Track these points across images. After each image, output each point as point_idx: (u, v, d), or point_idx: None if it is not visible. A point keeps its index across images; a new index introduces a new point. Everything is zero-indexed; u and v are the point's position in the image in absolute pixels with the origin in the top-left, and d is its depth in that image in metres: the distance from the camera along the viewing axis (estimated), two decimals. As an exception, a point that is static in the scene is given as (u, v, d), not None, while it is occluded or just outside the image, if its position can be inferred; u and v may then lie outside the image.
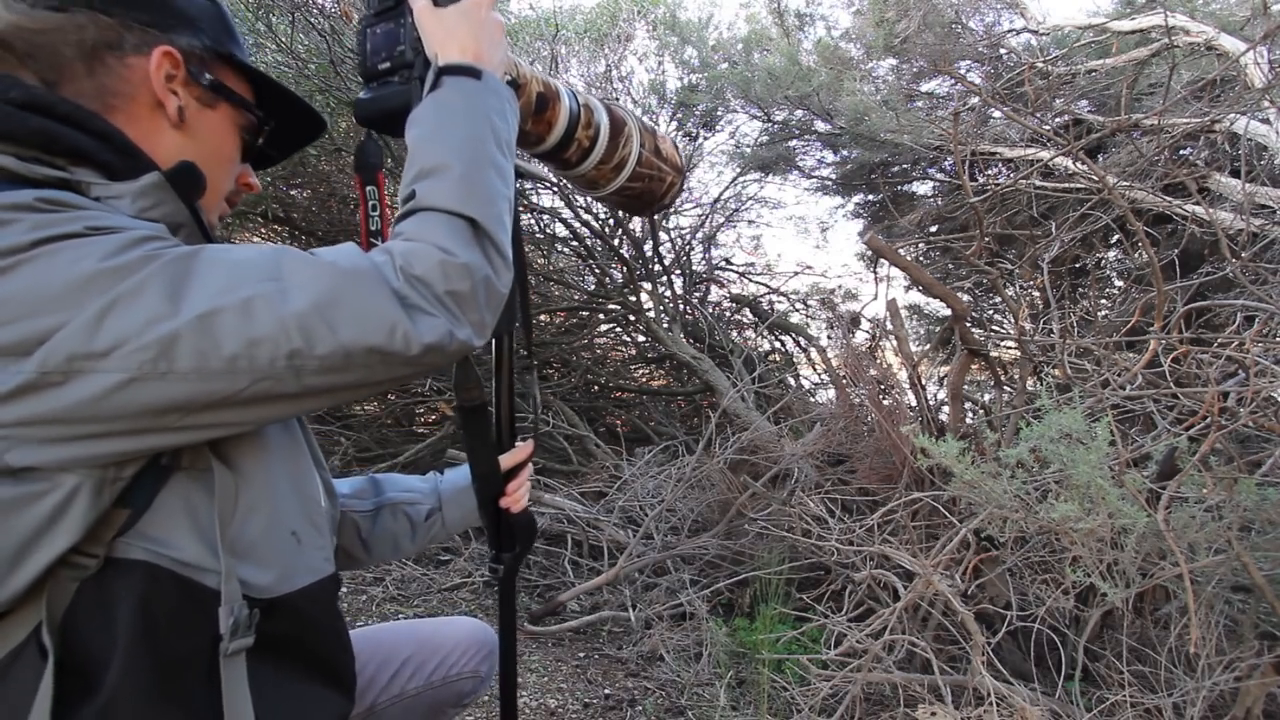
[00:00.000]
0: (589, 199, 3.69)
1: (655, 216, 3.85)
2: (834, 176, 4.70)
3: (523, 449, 0.92)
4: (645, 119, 0.98)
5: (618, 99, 4.28)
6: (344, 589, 2.63)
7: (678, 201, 4.71)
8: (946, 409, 2.58)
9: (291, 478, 0.69)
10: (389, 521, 0.94)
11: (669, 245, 4.49)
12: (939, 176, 4.29)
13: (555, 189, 3.62)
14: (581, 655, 2.30)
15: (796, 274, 4.67)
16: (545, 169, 0.92)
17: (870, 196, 4.65)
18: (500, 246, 0.65)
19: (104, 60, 0.64)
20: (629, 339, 4.45)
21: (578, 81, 4.28)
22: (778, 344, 4.47)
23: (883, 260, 3.10)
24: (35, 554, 0.54)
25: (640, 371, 4.60)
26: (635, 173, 0.91)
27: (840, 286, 4.78)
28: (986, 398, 3.34)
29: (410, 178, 0.66)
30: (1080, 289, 3.26)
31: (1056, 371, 2.15)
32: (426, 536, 0.97)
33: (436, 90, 0.70)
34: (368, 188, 0.81)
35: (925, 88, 4.12)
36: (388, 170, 0.87)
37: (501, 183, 0.68)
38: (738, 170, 4.67)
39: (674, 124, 4.45)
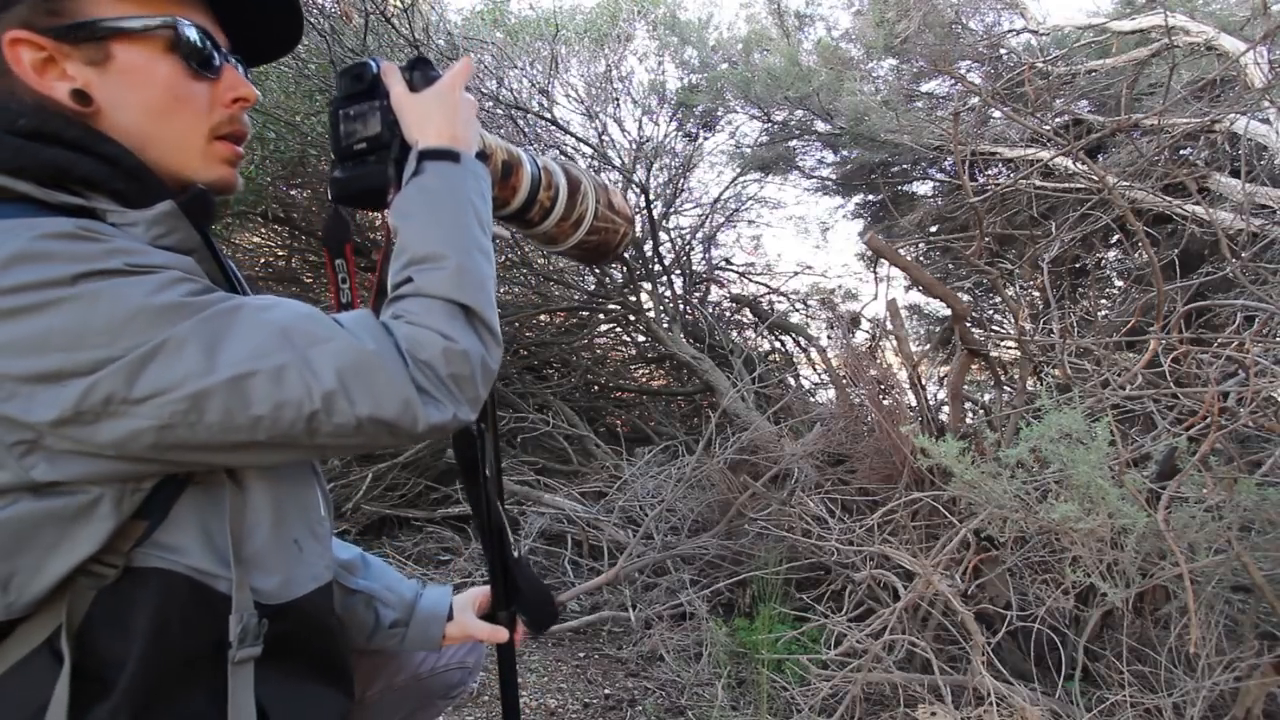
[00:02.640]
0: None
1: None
2: (834, 176, 4.70)
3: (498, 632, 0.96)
4: (594, 173, 1.03)
5: (617, 100, 4.29)
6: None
7: (678, 200, 4.66)
8: (946, 409, 2.58)
9: (293, 489, 0.72)
10: (360, 609, 0.95)
11: (669, 245, 4.49)
12: (939, 176, 4.29)
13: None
14: (581, 655, 2.30)
15: (796, 274, 4.68)
16: (507, 230, 0.96)
17: (870, 196, 4.65)
18: (491, 327, 0.69)
19: (4, 82, 0.60)
20: (629, 339, 4.45)
21: (578, 82, 4.29)
22: (778, 344, 4.47)
23: (883, 260, 3.10)
24: (57, 560, 0.57)
25: (640, 371, 4.60)
26: (592, 227, 0.97)
27: (840, 286, 4.78)
28: (986, 398, 3.34)
29: (403, 263, 0.69)
30: (1080, 289, 3.26)
31: (1056, 371, 2.15)
32: (382, 642, 0.96)
33: (419, 176, 0.72)
34: (337, 261, 0.83)
35: (925, 88, 4.12)
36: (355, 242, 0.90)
37: (487, 264, 0.72)
38: (738, 170, 4.68)
39: (674, 124, 4.46)
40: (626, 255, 4.01)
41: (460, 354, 0.65)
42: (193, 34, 0.65)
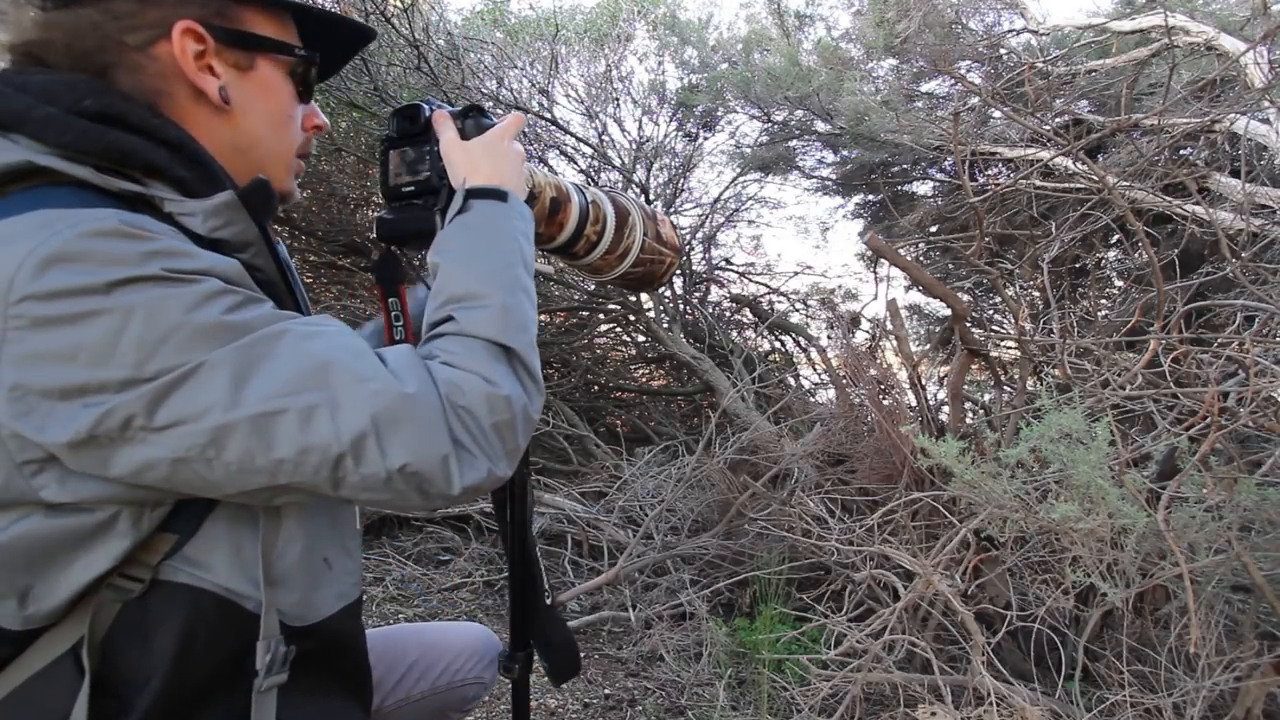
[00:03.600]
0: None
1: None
2: (834, 176, 4.69)
3: None
4: (647, 205, 1.03)
5: (617, 100, 4.29)
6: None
7: (678, 200, 4.66)
8: (946, 409, 2.58)
9: (331, 505, 0.69)
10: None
11: (669, 245, 4.47)
12: (939, 176, 4.29)
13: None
14: (581, 655, 2.30)
15: (796, 274, 4.67)
16: (552, 264, 0.98)
17: (870, 196, 4.65)
18: (533, 372, 0.65)
19: (131, 56, 0.61)
20: (629, 339, 4.45)
21: (578, 82, 4.29)
22: (778, 344, 4.47)
23: (883, 260, 3.10)
24: (72, 575, 0.55)
25: (640, 371, 4.60)
26: (638, 259, 0.98)
27: (840, 286, 4.78)
28: (986, 398, 3.34)
29: (443, 300, 0.66)
30: (1080, 289, 3.26)
31: (1056, 371, 2.15)
32: None
33: (465, 214, 0.71)
34: (390, 299, 0.83)
35: (925, 88, 4.12)
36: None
37: (530, 306, 0.69)
38: (738, 170, 4.67)
39: (674, 124, 4.46)
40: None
41: (503, 400, 0.60)
42: (308, 68, 0.72)
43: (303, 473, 0.54)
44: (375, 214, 0.81)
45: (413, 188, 0.78)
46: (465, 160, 0.75)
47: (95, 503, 0.54)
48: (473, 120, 0.79)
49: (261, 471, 0.54)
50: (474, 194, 0.72)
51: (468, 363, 0.61)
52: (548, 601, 0.94)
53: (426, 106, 0.78)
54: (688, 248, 4.57)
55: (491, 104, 3.50)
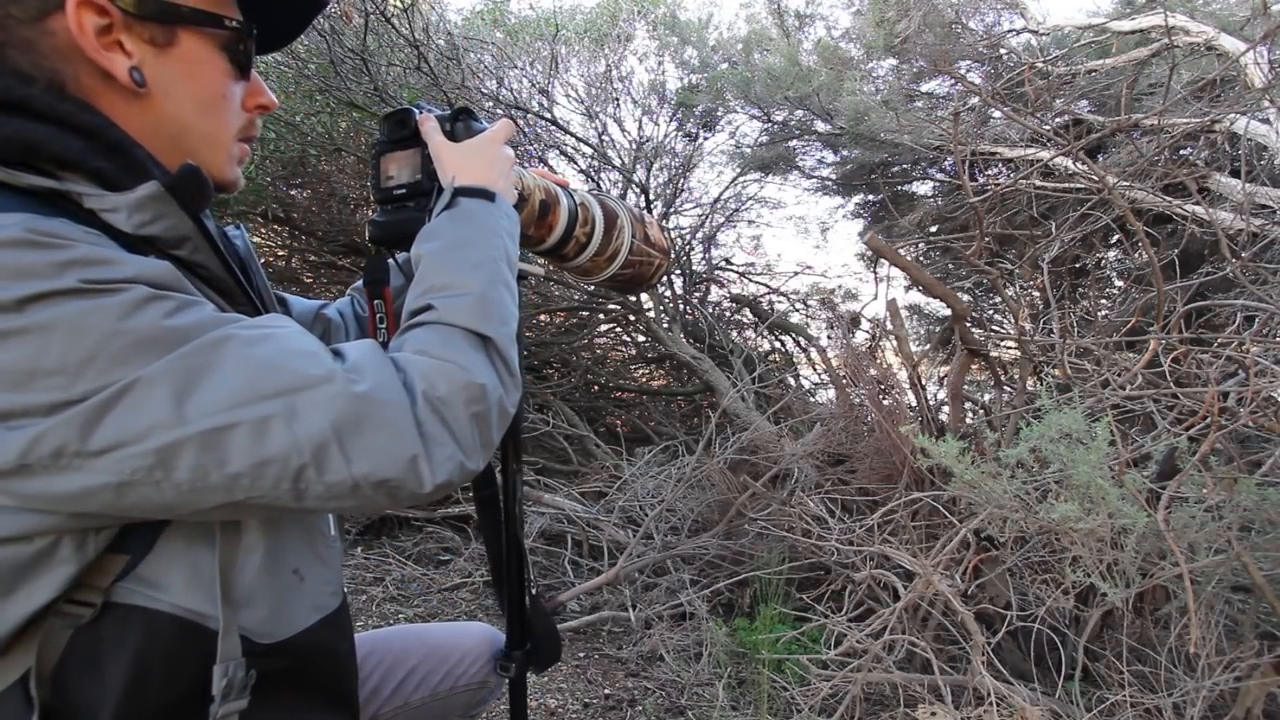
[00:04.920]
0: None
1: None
2: (834, 176, 4.70)
3: None
4: (635, 208, 1.05)
5: (618, 100, 4.29)
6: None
7: (678, 200, 4.67)
8: (946, 409, 2.58)
9: (297, 514, 0.65)
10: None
11: (669, 245, 4.47)
12: (939, 176, 4.29)
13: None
14: (581, 655, 2.30)
15: (796, 274, 4.68)
16: (541, 265, 0.99)
17: (870, 196, 4.65)
18: (511, 365, 0.64)
19: (20, 31, 0.53)
20: (629, 339, 4.45)
21: (578, 82, 4.29)
22: (778, 344, 4.47)
23: (883, 260, 3.10)
24: (13, 607, 0.51)
25: (640, 371, 4.60)
26: (627, 260, 0.99)
27: (840, 286, 4.78)
28: (986, 398, 3.34)
29: (423, 289, 0.64)
30: (1080, 289, 3.26)
31: (1056, 371, 2.15)
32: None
33: (452, 209, 0.71)
34: (375, 301, 0.84)
35: (925, 88, 4.12)
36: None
37: (511, 301, 0.68)
38: (738, 170, 4.68)
39: (674, 124, 4.46)
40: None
41: (478, 389, 0.59)
42: (245, 40, 0.64)
43: (261, 487, 0.51)
44: (369, 216, 0.82)
45: (404, 190, 0.79)
46: (455, 161, 0.75)
47: (32, 533, 0.50)
48: (462, 123, 0.80)
49: (217, 489, 0.50)
50: (461, 192, 0.72)
51: (444, 352, 0.59)
52: (532, 592, 0.94)
53: (416, 110, 0.80)
54: (687, 248, 4.58)
55: (491, 104, 3.50)
